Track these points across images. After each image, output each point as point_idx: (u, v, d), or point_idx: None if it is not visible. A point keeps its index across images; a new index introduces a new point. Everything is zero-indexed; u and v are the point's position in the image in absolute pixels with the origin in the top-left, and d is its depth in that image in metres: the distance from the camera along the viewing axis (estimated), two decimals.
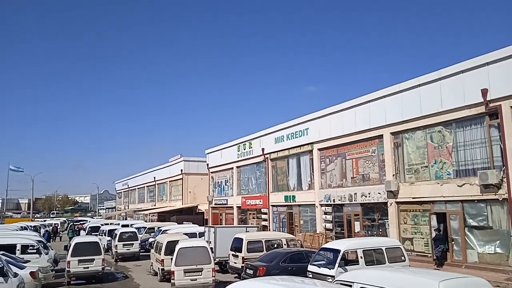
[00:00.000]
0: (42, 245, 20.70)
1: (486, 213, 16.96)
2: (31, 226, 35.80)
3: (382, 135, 21.90)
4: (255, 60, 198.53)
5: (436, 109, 18.77)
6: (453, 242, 18.09)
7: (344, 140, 24.65)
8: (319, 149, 27.04)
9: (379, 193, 21.67)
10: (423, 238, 19.59)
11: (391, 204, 20.96)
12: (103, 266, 17.73)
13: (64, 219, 64.98)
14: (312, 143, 27.47)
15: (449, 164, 18.62)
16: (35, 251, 18.02)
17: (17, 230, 27.59)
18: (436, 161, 19.18)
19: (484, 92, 16.67)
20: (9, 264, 13.12)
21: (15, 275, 12.60)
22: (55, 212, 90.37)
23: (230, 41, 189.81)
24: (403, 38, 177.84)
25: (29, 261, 16.51)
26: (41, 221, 53.19)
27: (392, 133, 21.41)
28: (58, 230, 40.09)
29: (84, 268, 17.14)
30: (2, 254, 14.09)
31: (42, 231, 35.69)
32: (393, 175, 20.95)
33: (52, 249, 22.31)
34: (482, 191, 16.69)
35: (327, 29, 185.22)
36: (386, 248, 13.96)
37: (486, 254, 16.85)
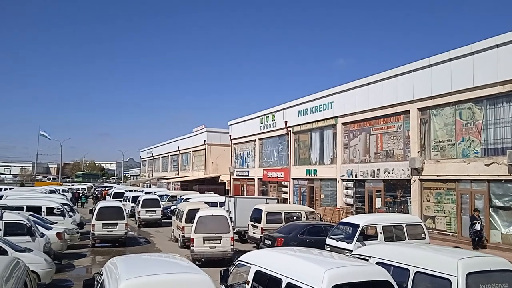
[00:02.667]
0: (69, 208, 21.49)
1: None
2: (59, 190, 37.07)
3: (408, 110, 21.33)
4: (283, 33, 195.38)
5: (467, 85, 18.07)
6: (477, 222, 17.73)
7: (369, 114, 24.16)
8: (343, 123, 26.63)
9: (402, 169, 21.31)
10: (445, 217, 19.28)
11: (414, 181, 20.61)
12: (126, 231, 18.25)
13: (91, 184, 66.96)
14: (336, 117, 27.06)
15: (477, 142, 18.05)
16: (59, 213, 18.64)
17: (45, 193, 28.58)
18: (464, 139, 18.61)
19: None
20: (37, 225, 13.66)
21: (42, 235, 13.12)
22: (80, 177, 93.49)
23: (260, 12, 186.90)
24: (437, 13, 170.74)
25: (56, 222, 17.16)
26: (69, 185, 55.04)
27: (419, 109, 20.82)
28: (81, 195, 41.22)
29: (108, 231, 17.69)
30: (30, 215, 14.67)
31: (69, 195, 36.95)
32: (418, 152, 20.50)
33: (78, 213, 23.13)
34: (510, 171, 16.18)
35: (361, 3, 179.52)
36: (406, 225, 13.78)
37: (510, 235, 16.49)
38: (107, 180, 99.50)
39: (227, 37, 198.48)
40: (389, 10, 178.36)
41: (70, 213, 20.35)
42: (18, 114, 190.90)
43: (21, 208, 16.96)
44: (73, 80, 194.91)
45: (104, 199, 35.33)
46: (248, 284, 6.74)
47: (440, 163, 19.50)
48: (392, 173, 22.06)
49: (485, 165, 17.24)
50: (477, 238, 16.50)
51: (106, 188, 49.15)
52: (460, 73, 18.43)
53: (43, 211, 17.92)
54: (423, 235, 14.01)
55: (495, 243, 16.84)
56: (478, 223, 16.27)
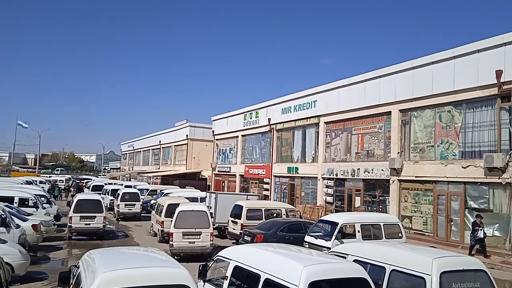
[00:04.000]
0: (45, 200, 21.09)
1: (488, 196, 16.91)
2: (36, 181, 36.29)
3: (390, 111, 21.63)
4: (270, 30, 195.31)
5: (448, 88, 18.41)
6: (451, 223, 18.14)
7: (352, 114, 24.39)
8: (326, 123, 26.83)
9: (382, 170, 21.61)
10: (422, 217, 19.64)
11: (393, 182, 20.93)
12: (104, 224, 18.03)
13: (69, 176, 65.83)
14: (319, 116, 27.24)
15: (455, 145, 18.42)
16: (32, 204, 18.26)
17: (22, 183, 27.99)
18: (443, 141, 18.98)
19: (499, 73, 16.28)
20: (12, 216, 13.38)
21: (17, 226, 12.86)
22: (59, 169, 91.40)
23: (245, 9, 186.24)
24: (423, 15, 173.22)
25: (32, 214, 16.83)
26: (47, 176, 53.97)
27: (400, 110, 21.12)
28: (55, 188, 40.19)
29: (86, 224, 17.45)
30: (6, 206, 14.36)
31: (46, 186, 36.23)
32: (398, 152, 20.82)
33: (55, 204, 22.72)
34: (486, 174, 16.56)
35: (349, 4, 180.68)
36: (384, 224, 14.01)
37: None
38: (83, 172, 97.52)
39: (212, 33, 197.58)
40: (377, 10, 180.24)
41: (45, 205, 19.97)
42: None
43: None
44: (54, 71, 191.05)
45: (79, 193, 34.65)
46: (226, 279, 6.75)
47: (418, 164, 19.84)
48: (372, 173, 22.35)
49: (462, 167, 17.62)
50: (479, 245, 15.70)
51: (82, 181, 48.33)
52: (442, 77, 18.76)
53: (16, 202, 17.50)
54: (400, 235, 14.26)
55: (469, 243, 17.20)
56: (481, 230, 15.44)
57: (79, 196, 19.35)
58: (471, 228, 16.17)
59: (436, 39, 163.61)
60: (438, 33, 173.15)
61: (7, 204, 15.80)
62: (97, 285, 4.58)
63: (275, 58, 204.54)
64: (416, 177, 19.80)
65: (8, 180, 34.19)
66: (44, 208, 19.07)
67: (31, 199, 18.50)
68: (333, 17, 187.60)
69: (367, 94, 23.15)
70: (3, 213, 12.49)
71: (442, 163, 18.56)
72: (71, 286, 5.90)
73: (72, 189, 39.71)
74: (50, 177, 54.64)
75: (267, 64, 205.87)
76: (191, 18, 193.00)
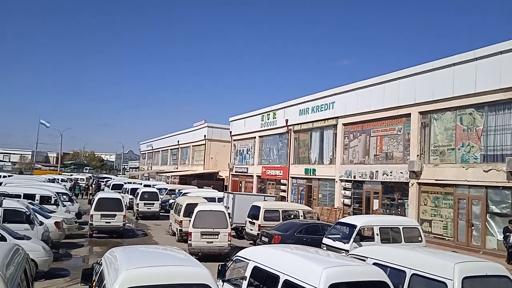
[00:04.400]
0: (68, 198, 21.52)
1: (510, 201, 16.56)
2: (58, 179, 37.04)
3: (409, 113, 21.38)
4: (289, 30, 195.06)
5: (469, 91, 18.10)
6: (472, 228, 17.82)
7: (370, 116, 24.19)
8: (344, 124, 26.68)
9: (401, 172, 21.37)
10: (442, 221, 19.35)
11: (412, 185, 20.68)
12: (124, 222, 18.31)
13: (90, 174, 66.97)
14: (337, 117, 27.10)
15: (477, 148, 18.10)
16: (53, 202, 18.64)
17: (45, 181, 28.62)
18: (464, 144, 18.67)
19: None
20: (36, 213, 13.71)
21: (41, 223, 13.18)
22: (87, 168, 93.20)
23: (265, 8, 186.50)
24: (444, 16, 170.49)
25: (55, 211, 17.21)
26: (68, 175, 55.05)
27: (420, 113, 20.86)
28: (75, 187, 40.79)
29: (106, 222, 17.75)
30: (29, 203, 14.72)
31: (68, 184, 36.95)
32: (418, 155, 20.55)
33: (77, 202, 23.17)
34: (508, 178, 16.22)
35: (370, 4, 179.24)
36: (403, 228, 13.87)
37: None
38: (103, 171, 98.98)
39: (231, 32, 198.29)
40: (396, 11, 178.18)
41: (67, 203, 20.37)
42: (19, 102, 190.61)
43: (18, 196, 16.97)
44: (75, 70, 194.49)
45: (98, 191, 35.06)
46: (245, 280, 6.80)
47: (439, 168, 19.56)
48: (391, 175, 22.12)
49: (484, 171, 17.30)
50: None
51: (101, 180, 48.93)
52: (463, 79, 18.47)
53: (37, 199, 17.87)
54: (419, 238, 14.09)
55: (491, 249, 16.91)
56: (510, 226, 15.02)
57: (100, 195, 19.70)
58: (502, 234, 15.69)
59: (457, 41, 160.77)
60: (459, 35, 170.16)
61: (31, 201, 16.21)
62: (120, 283, 4.67)
63: (294, 58, 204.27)
64: (436, 180, 19.52)
65: (31, 178, 35.00)
66: (65, 206, 19.44)
67: (52, 197, 18.87)
68: (353, 18, 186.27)
69: (386, 96, 22.93)
70: (27, 211, 12.82)
71: (463, 167, 18.25)
72: (94, 283, 6.03)
73: (91, 187, 40.27)
74: (71, 175, 55.71)
75: (286, 65, 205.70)
76: (210, 16, 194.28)
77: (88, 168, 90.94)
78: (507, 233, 15.10)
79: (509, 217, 16.35)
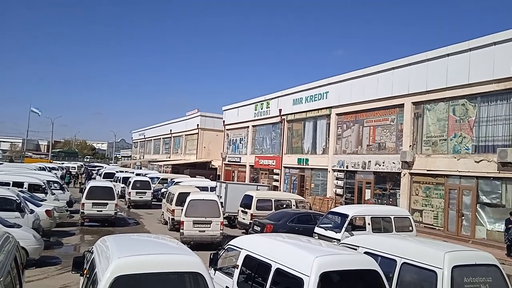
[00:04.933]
0: (59, 186, 21.37)
1: (500, 191, 16.75)
2: (48, 167, 36.76)
3: (403, 104, 21.42)
4: (282, 20, 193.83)
5: (462, 81, 18.15)
6: (463, 218, 18.01)
7: (364, 106, 24.21)
8: (337, 114, 26.69)
9: (393, 162, 21.48)
10: (433, 211, 19.54)
11: (404, 175, 20.81)
12: (115, 211, 18.26)
13: (81, 163, 66.59)
14: (331, 107, 27.09)
15: (468, 139, 18.22)
16: (41, 190, 18.47)
17: (35, 170, 28.39)
18: (456, 135, 18.77)
19: None
20: (26, 201, 13.60)
21: (31, 211, 13.08)
22: (88, 157, 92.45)
23: (258, 0, 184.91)
24: (438, 7, 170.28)
25: (46, 199, 17.08)
26: (59, 163, 54.66)
27: (413, 103, 20.90)
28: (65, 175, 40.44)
29: (98, 211, 17.68)
30: (20, 191, 14.59)
31: (60, 172, 36.69)
32: (410, 146, 20.65)
33: (68, 191, 23.03)
34: (499, 169, 16.38)
35: None
36: (394, 217, 13.97)
37: (495, 232, 16.76)
38: (95, 160, 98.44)
39: (224, 23, 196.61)
40: (391, 2, 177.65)
41: (58, 191, 20.21)
42: (10, 90, 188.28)
43: (7, 184, 16.78)
44: (67, 58, 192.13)
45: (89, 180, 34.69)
46: (237, 268, 6.81)
47: (431, 158, 19.68)
48: (383, 165, 22.23)
49: (475, 161, 17.44)
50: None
51: (88, 168, 48.58)
52: (456, 69, 18.50)
53: (25, 187, 17.68)
54: (410, 228, 14.22)
55: (480, 238, 17.13)
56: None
57: (92, 183, 19.58)
58: (485, 222, 15.82)
59: (451, 32, 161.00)
60: (453, 26, 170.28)
61: (21, 189, 16.06)
62: (111, 271, 4.63)
63: (288, 49, 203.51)
64: (427, 170, 19.65)
65: (22, 166, 34.70)
66: (54, 194, 19.24)
67: (39, 185, 18.67)
68: (347, 9, 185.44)
69: (380, 86, 22.93)
70: (17, 198, 12.71)
71: (455, 157, 18.38)
72: (85, 271, 5.99)
73: (81, 176, 39.82)
74: (62, 163, 55.33)
75: (280, 56, 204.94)
76: (203, 8, 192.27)
77: (89, 157, 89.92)
78: (510, 225, 14.73)
79: (498, 207, 16.58)
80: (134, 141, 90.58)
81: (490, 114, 17.50)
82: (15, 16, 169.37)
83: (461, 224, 18.10)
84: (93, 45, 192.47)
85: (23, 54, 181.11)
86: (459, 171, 18.10)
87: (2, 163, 37.80)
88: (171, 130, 61.49)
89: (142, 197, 25.60)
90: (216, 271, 7.40)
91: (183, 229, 14.29)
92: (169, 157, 59.87)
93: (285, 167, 32.01)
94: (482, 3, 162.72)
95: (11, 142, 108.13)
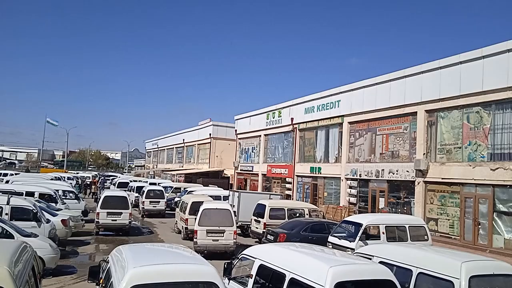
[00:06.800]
0: (74, 196, 21.60)
1: None
2: (64, 177, 37.23)
3: (416, 112, 21.26)
4: (297, 28, 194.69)
5: (476, 89, 17.96)
6: (479, 226, 17.72)
7: (376, 115, 24.10)
8: (350, 123, 26.60)
9: (407, 171, 21.28)
10: (448, 220, 19.26)
11: (418, 183, 20.58)
12: (130, 220, 18.40)
13: (96, 172, 67.28)
14: (343, 115, 27.02)
15: (484, 147, 17.98)
16: (52, 200, 18.63)
17: (51, 180, 28.77)
18: (471, 143, 18.55)
19: None
20: (42, 211, 13.80)
21: (48, 221, 13.25)
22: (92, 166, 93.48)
23: (271, 8, 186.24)
24: (451, 15, 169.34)
25: (62, 209, 17.29)
26: (74, 173, 55.33)
27: (426, 111, 20.74)
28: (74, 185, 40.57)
29: (112, 220, 17.86)
30: (36, 201, 14.81)
31: (74, 182, 37.14)
32: (424, 154, 20.45)
33: (83, 200, 23.28)
34: None
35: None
36: (409, 226, 13.82)
37: None
38: (109, 169, 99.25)
39: (238, 30, 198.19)
40: (405, 10, 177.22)
41: (70, 201, 20.40)
42: (26, 100, 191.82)
43: (20, 194, 16.95)
44: (81, 68, 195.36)
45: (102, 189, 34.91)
46: (251, 278, 6.81)
47: (445, 166, 19.45)
48: (397, 174, 22.03)
49: (491, 169, 17.18)
50: None
51: (95, 178, 48.78)
52: (470, 77, 18.34)
53: (36, 197, 17.87)
54: (425, 237, 14.03)
55: (498, 248, 16.80)
56: None
57: (106, 193, 19.79)
58: (502, 231, 15.49)
59: (464, 40, 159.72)
60: (466, 33, 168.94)
61: (38, 199, 16.29)
62: (127, 280, 4.69)
63: (301, 57, 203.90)
64: (442, 179, 19.41)
65: (37, 176, 35.23)
66: (64, 203, 19.35)
67: (50, 195, 18.80)
68: (361, 17, 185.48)
69: (392, 94, 22.82)
70: (34, 208, 12.90)
71: (470, 165, 18.14)
72: (101, 280, 6.06)
73: (93, 186, 39.92)
74: (77, 173, 55.99)
75: (294, 64, 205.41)
76: (215, 15, 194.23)
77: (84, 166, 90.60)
78: None
79: None
80: (147, 150, 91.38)
81: (505, 121, 17.26)
82: (32, 25, 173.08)
83: (478, 233, 17.79)
84: (107, 55, 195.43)
85: (38, 64, 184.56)
86: (475, 179, 17.84)
87: (18, 173, 38.39)
88: (183, 140, 61.89)
89: (155, 206, 25.77)
90: (230, 281, 7.40)
91: (196, 238, 14.33)
92: (182, 166, 60.18)
93: (297, 176, 31.93)
94: (495, 11, 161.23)
95: (28, 153, 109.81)
